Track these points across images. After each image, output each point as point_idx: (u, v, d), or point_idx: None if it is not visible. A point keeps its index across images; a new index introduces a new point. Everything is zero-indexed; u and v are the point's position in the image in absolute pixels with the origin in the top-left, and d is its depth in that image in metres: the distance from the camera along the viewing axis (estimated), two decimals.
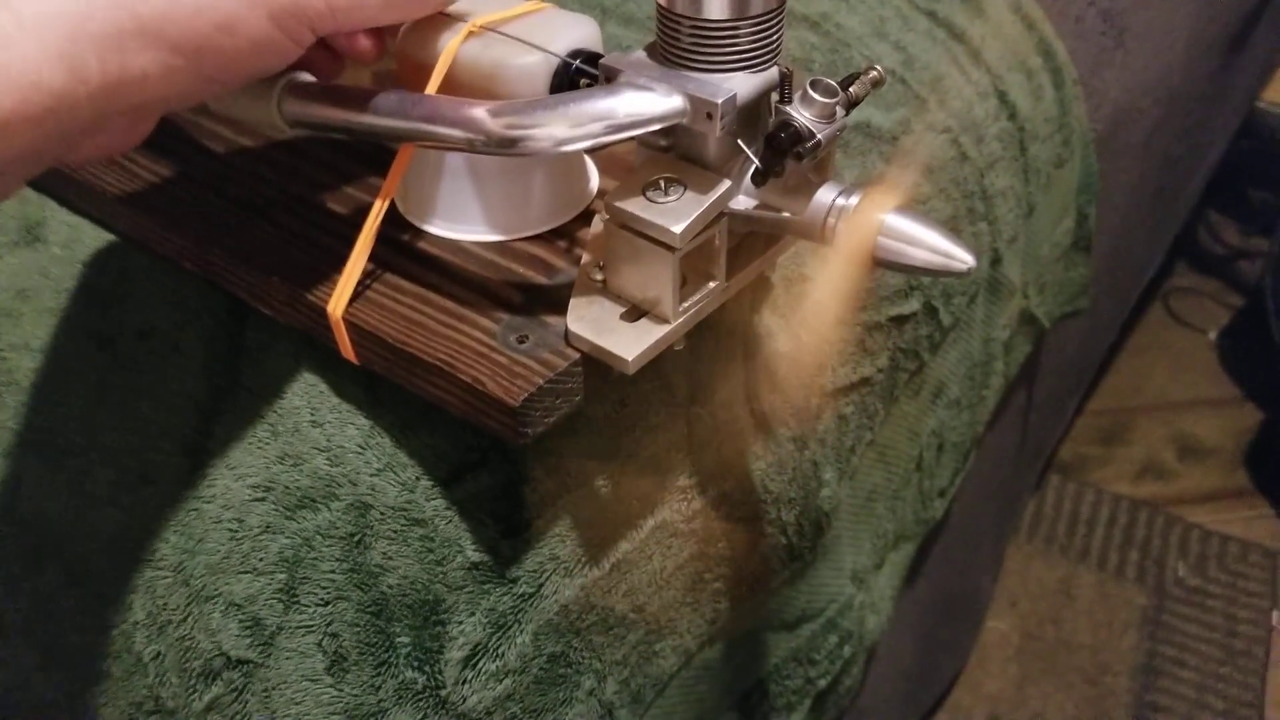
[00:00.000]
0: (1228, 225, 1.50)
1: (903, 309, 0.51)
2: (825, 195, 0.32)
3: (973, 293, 0.59)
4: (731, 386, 0.43)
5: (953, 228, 0.55)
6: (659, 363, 0.35)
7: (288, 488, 0.37)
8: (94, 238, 0.44)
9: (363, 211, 0.40)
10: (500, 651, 0.37)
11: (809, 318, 0.46)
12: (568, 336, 0.34)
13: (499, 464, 0.37)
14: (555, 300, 0.36)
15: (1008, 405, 0.77)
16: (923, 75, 0.55)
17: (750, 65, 0.31)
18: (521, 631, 0.37)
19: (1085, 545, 1.19)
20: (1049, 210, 0.66)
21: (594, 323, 0.34)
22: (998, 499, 0.91)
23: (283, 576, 0.36)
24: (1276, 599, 1.11)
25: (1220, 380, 1.36)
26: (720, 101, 0.30)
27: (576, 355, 0.34)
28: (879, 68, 0.34)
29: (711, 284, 0.35)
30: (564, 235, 0.39)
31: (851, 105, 0.33)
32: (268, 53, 0.30)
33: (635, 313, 0.34)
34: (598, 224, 0.39)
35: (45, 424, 0.40)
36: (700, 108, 0.30)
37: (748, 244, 0.36)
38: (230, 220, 0.40)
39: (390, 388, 0.37)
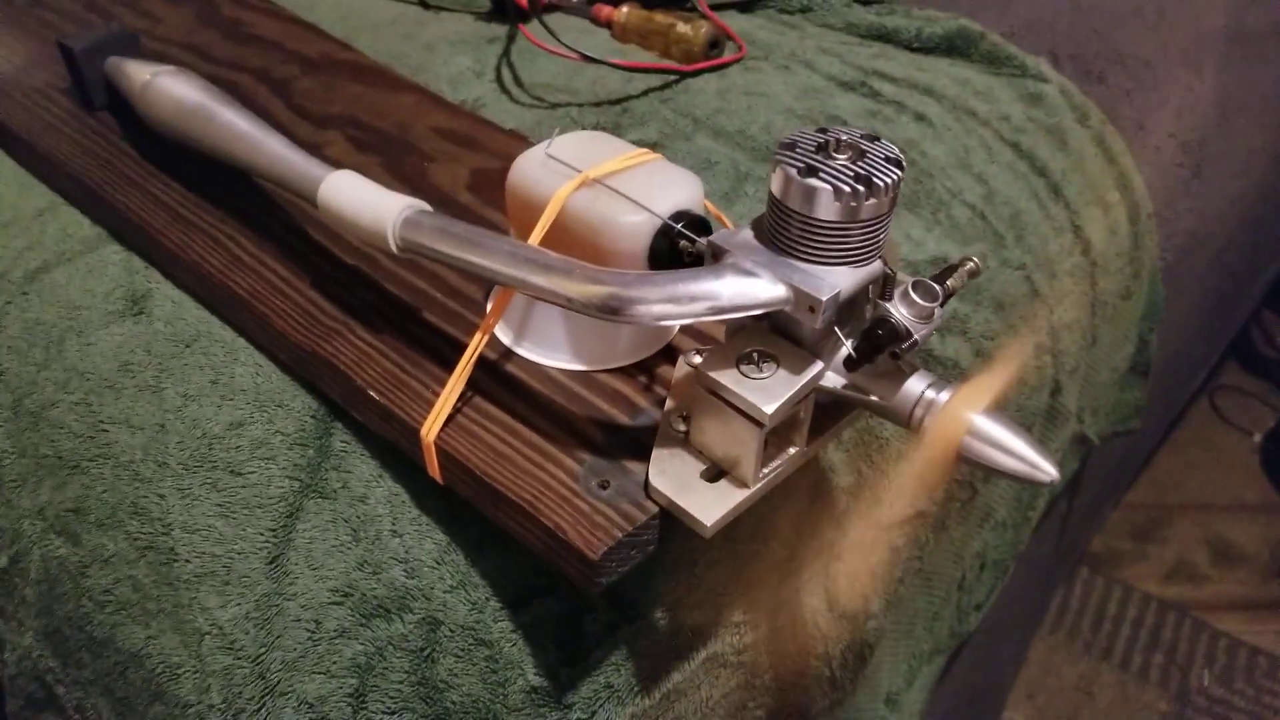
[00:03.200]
0: None
1: None
2: (915, 385, 0.33)
3: (1030, 423, 0.59)
4: (792, 523, 0.44)
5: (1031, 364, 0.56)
6: None
7: (365, 595, 0.38)
8: (197, 318, 0.46)
9: (456, 323, 0.42)
10: None
11: (872, 455, 0.47)
12: (648, 489, 0.35)
13: (565, 592, 0.39)
14: (636, 443, 0.37)
15: (1049, 514, 0.77)
16: (1002, 210, 0.56)
17: (855, 261, 0.32)
18: None
19: (1109, 643, 1.18)
20: (1111, 338, 0.67)
21: (675, 479, 0.35)
22: (1028, 599, 0.91)
23: (354, 682, 0.37)
24: None
25: (1262, 484, 1.35)
26: (825, 298, 0.31)
27: (656, 509, 0.35)
28: (975, 259, 0.35)
29: (792, 450, 0.36)
30: (646, 370, 0.41)
31: (948, 297, 0.34)
32: None
33: (715, 471, 0.35)
34: (682, 367, 0.40)
35: (138, 500, 0.42)
36: (803, 300, 0.32)
37: (827, 411, 0.37)
38: (328, 323, 0.42)
39: (468, 504, 0.38)
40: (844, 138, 0.32)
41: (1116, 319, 0.66)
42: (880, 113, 0.59)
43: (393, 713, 0.37)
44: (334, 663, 0.38)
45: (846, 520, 0.46)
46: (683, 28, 0.61)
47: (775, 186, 0.32)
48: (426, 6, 0.70)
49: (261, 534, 0.40)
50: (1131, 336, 0.70)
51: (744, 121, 0.57)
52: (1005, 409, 0.52)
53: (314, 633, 0.38)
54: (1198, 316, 0.83)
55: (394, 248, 0.38)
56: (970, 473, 0.54)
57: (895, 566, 0.51)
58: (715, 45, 0.61)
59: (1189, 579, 1.24)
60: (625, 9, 0.64)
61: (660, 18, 0.63)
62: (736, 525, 0.42)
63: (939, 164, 0.57)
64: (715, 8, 0.68)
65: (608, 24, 0.65)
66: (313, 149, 0.53)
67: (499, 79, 0.61)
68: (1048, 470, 0.31)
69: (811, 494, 0.45)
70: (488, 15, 0.68)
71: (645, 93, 0.59)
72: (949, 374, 0.51)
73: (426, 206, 0.39)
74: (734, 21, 0.67)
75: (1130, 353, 0.71)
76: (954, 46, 0.64)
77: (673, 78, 0.60)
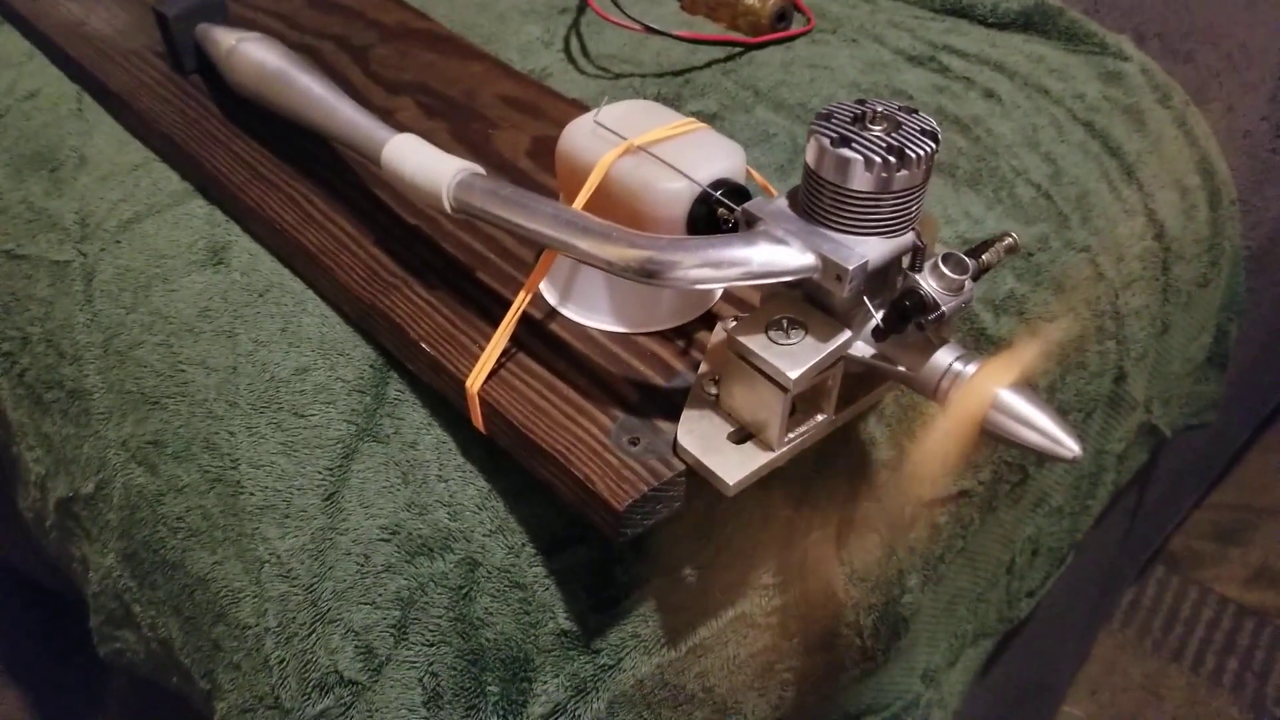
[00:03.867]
0: None
1: None
2: (943, 357, 0.33)
3: (1090, 409, 0.58)
4: (827, 492, 0.45)
5: (1078, 346, 0.55)
6: None
7: (411, 534, 0.41)
8: (270, 269, 0.49)
9: (507, 283, 0.44)
10: (577, 714, 0.40)
11: (914, 430, 0.47)
12: (676, 447, 0.36)
13: (596, 542, 0.40)
14: (669, 404, 0.38)
15: (1116, 505, 0.75)
16: (1069, 191, 0.55)
17: (887, 232, 0.33)
18: (598, 699, 0.40)
19: (1181, 644, 1.15)
20: (1186, 327, 0.65)
21: (702, 439, 0.36)
22: (1092, 593, 0.90)
23: (397, 614, 0.40)
24: None
25: None
26: (852, 268, 0.32)
27: (682, 467, 0.36)
28: (1013, 235, 0.35)
29: (820, 416, 0.37)
30: (684, 334, 0.42)
31: (981, 273, 0.34)
32: None
33: (742, 434, 0.36)
34: (719, 333, 0.41)
35: (210, 436, 0.45)
36: (831, 269, 0.32)
37: (860, 381, 0.37)
38: (388, 278, 0.45)
39: (509, 454, 0.40)
40: (880, 109, 0.32)
41: (1192, 307, 0.64)
42: (948, 88, 0.58)
43: (431, 645, 0.40)
44: (380, 595, 0.40)
45: (884, 494, 0.47)
46: (750, 0, 0.61)
47: (809, 156, 0.32)
48: None
49: (319, 472, 0.42)
50: (1209, 326, 0.68)
51: (806, 95, 0.57)
52: (1035, 386, 0.51)
53: (363, 566, 0.40)
54: None
55: (448, 208, 0.40)
56: (1021, 455, 0.54)
57: (936, 543, 0.51)
58: (783, 18, 0.62)
59: (1272, 585, 1.20)
60: None
61: None
62: (771, 490, 0.43)
63: (1005, 141, 0.56)
64: None
65: None
66: (384, 114, 0.55)
67: (567, 49, 0.62)
68: (1070, 446, 0.31)
69: (850, 465, 0.46)
70: None
71: (709, 64, 0.60)
72: (993, 354, 0.50)
73: (480, 170, 0.40)
74: None
75: (1207, 343, 0.69)
76: (1031, 22, 0.62)
77: (737, 50, 0.61)
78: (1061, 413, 0.55)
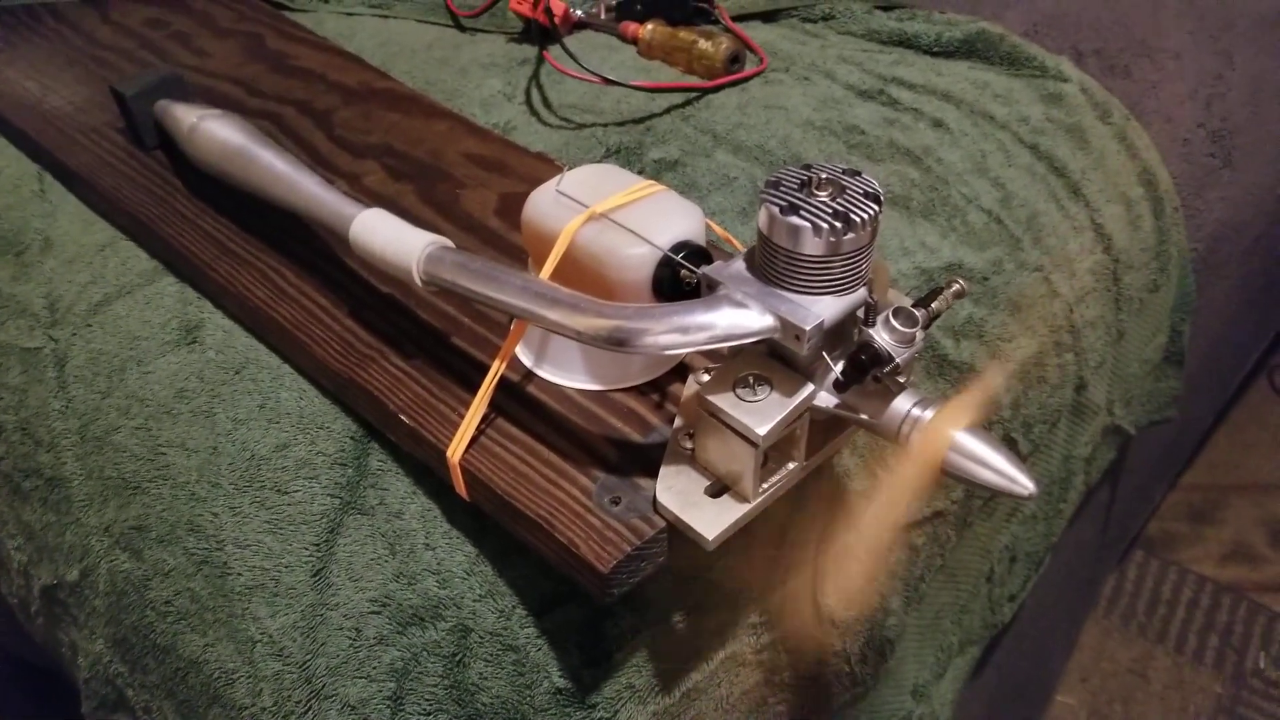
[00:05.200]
0: None
1: None
2: (902, 404, 0.35)
3: (1054, 419, 0.60)
4: (806, 527, 0.46)
5: (1038, 362, 0.57)
6: None
7: (401, 604, 0.41)
8: (245, 345, 0.50)
9: (482, 347, 0.45)
10: None
11: (887, 459, 0.48)
12: (656, 504, 0.38)
13: (586, 598, 0.41)
14: (647, 460, 0.40)
15: (1090, 502, 0.77)
16: (1019, 213, 0.57)
17: (839, 290, 0.34)
18: None
19: (1164, 626, 1.17)
20: (1140, 332, 0.67)
21: (680, 494, 0.37)
22: (1075, 587, 0.92)
23: (392, 685, 0.41)
24: None
25: None
26: (809, 327, 0.33)
27: (663, 524, 0.37)
28: (961, 282, 0.36)
29: (791, 465, 0.38)
30: (658, 388, 0.43)
31: (931, 320, 0.35)
32: None
33: (718, 487, 0.37)
34: (691, 385, 0.42)
35: (194, 518, 0.45)
36: (790, 329, 0.33)
37: (828, 425, 0.39)
38: (364, 350, 0.45)
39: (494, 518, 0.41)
40: (825, 175, 0.34)
41: (1145, 312, 0.66)
42: (898, 120, 0.60)
43: (428, 714, 0.40)
44: (374, 668, 0.41)
45: (861, 523, 0.48)
46: (704, 45, 0.62)
47: (761, 223, 0.34)
48: (462, 29, 0.73)
49: (306, 548, 0.43)
50: (1163, 328, 0.70)
51: (763, 136, 0.58)
52: (990, 424, 0.53)
53: (355, 640, 0.41)
54: (1239, 302, 0.83)
55: (419, 282, 0.41)
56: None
57: (915, 565, 0.52)
58: (736, 60, 0.63)
59: (1246, 560, 1.23)
60: (650, 26, 0.66)
61: (683, 35, 0.64)
62: (752, 530, 0.44)
63: (955, 170, 0.58)
64: (738, 19, 0.69)
65: (634, 40, 0.67)
66: (351, 179, 0.56)
67: (529, 101, 0.63)
68: (1025, 484, 0.32)
69: (827, 499, 0.47)
70: (520, 36, 0.70)
71: (668, 110, 0.61)
72: (957, 379, 0.52)
73: (448, 242, 0.41)
74: (757, 33, 0.68)
75: (1163, 343, 0.71)
76: (974, 49, 0.64)
77: (694, 94, 0.62)
78: (1028, 427, 0.57)
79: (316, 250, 0.51)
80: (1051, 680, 1.04)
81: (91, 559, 0.48)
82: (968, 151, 0.58)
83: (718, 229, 0.45)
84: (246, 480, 0.45)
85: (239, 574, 0.43)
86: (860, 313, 0.35)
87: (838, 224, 0.32)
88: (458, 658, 0.41)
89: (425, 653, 0.41)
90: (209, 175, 0.53)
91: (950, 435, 0.33)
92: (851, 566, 0.48)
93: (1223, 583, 1.19)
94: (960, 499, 0.54)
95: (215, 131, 0.51)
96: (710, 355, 0.44)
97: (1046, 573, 0.73)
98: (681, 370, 0.44)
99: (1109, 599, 1.19)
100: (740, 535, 0.43)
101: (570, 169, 0.42)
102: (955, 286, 0.36)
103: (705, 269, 0.36)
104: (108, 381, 0.50)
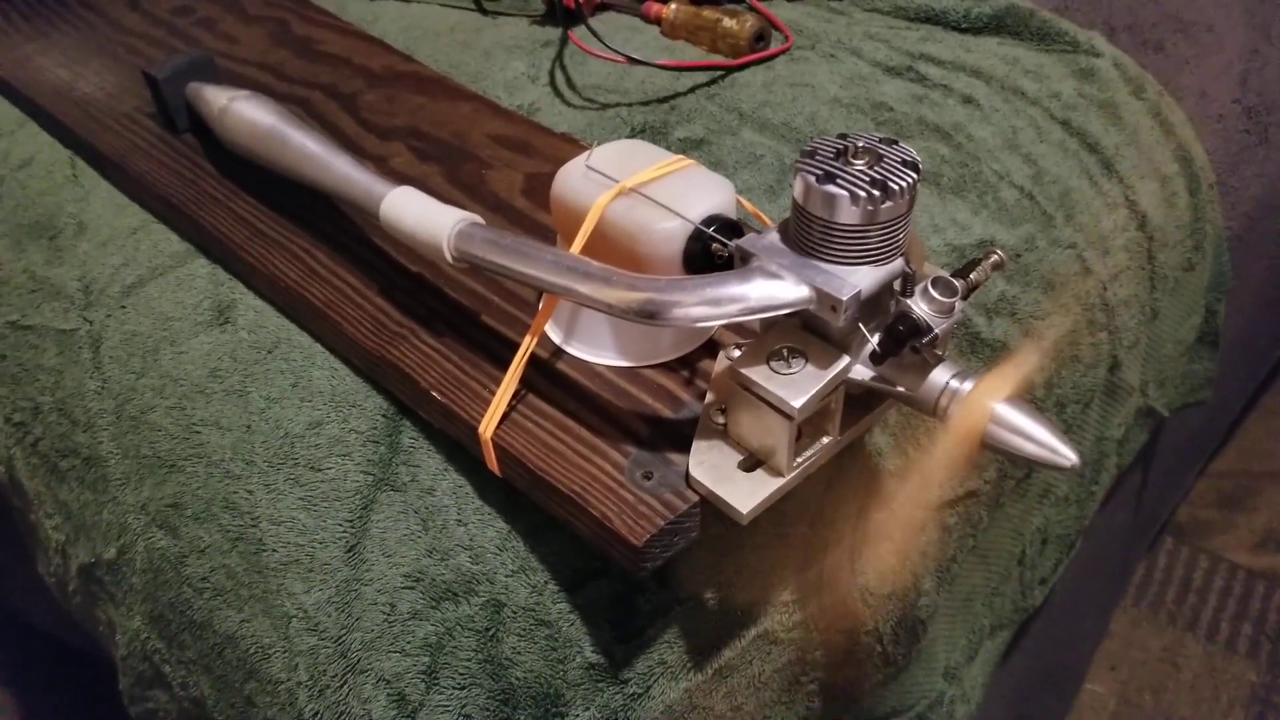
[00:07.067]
0: None
1: None
2: (940, 376, 0.34)
3: (1087, 399, 0.59)
4: (839, 506, 0.46)
5: (1071, 340, 0.56)
6: None
7: (434, 580, 0.42)
8: (277, 325, 0.50)
9: (512, 325, 0.45)
10: None
11: (919, 438, 0.48)
12: (689, 479, 0.37)
13: (618, 574, 0.41)
14: (678, 436, 0.39)
15: (1121, 486, 0.76)
16: (1051, 190, 0.56)
17: (876, 260, 0.33)
18: None
19: (1195, 614, 1.16)
20: (1175, 311, 0.66)
21: (714, 469, 0.37)
22: (1105, 573, 0.91)
23: (426, 660, 0.41)
24: None
25: None
26: (845, 298, 0.33)
27: (696, 499, 0.37)
28: (999, 253, 0.36)
29: (825, 439, 0.38)
30: (688, 364, 0.43)
31: (970, 291, 0.35)
32: None
33: (752, 461, 0.37)
34: (722, 361, 0.42)
35: (229, 495, 0.46)
36: (825, 300, 0.33)
37: (862, 399, 0.38)
38: (395, 329, 0.45)
39: (526, 494, 0.41)
40: (861, 143, 0.33)
41: (1179, 291, 0.65)
42: (927, 97, 0.59)
43: (462, 688, 0.40)
44: (408, 642, 0.41)
45: (894, 501, 0.48)
46: (728, 23, 0.62)
47: (796, 193, 0.33)
48: (485, 12, 0.73)
49: (340, 525, 0.43)
50: (1197, 308, 0.69)
51: (789, 114, 0.58)
52: (1029, 397, 0.52)
53: (389, 615, 0.41)
54: (1272, 281, 0.81)
55: (449, 258, 0.41)
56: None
57: (947, 545, 0.52)
58: (761, 38, 0.63)
59: (1279, 548, 1.21)
60: (674, 5, 0.66)
61: (707, 13, 0.64)
62: (784, 509, 0.44)
63: (986, 146, 0.57)
64: None
65: (657, 20, 0.67)
66: (378, 161, 0.56)
67: (552, 82, 0.63)
68: (1067, 455, 0.32)
69: (859, 477, 0.46)
70: (542, 18, 0.70)
71: (692, 90, 0.61)
72: (990, 358, 0.51)
73: (478, 219, 0.41)
74: (781, 11, 0.68)
75: (1197, 324, 0.70)
76: (1003, 25, 0.63)
77: (719, 73, 0.62)
78: (1060, 406, 0.56)
79: (347, 231, 0.51)
80: (1081, 667, 1.03)
81: (128, 537, 0.48)
82: (999, 128, 0.58)
83: (748, 205, 0.45)
84: (280, 458, 0.45)
85: (274, 550, 0.43)
86: (897, 284, 0.34)
87: (875, 192, 0.32)
88: (491, 632, 0.41)
89: (459, 627, 0.41)
90: (239, 158, 0.54)
91: (990, 407, 0.33)
92: (885, 545, 0.47)
93: (1256, 570, 1.18)
94: (993, 478, 0.53)
95: (246, 112, 0.52)
96: (741, 331, 0.44)
97: (1077, 557, 0.72)
98: (711, 347, 0.44)
99: (1139, 587, 1.17)
100: (772, 513, 0.43)
101: (599, 144, 0.42)
102: (994, 258, 0.35)
103: (738, 241, 0.36)
104: (142, 362, 0.51)
